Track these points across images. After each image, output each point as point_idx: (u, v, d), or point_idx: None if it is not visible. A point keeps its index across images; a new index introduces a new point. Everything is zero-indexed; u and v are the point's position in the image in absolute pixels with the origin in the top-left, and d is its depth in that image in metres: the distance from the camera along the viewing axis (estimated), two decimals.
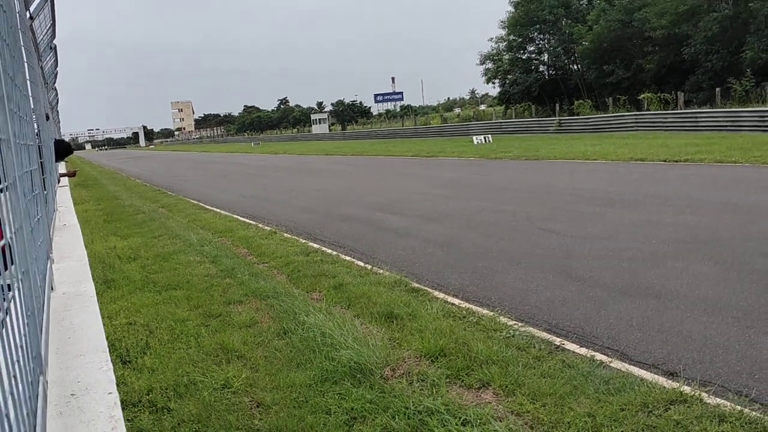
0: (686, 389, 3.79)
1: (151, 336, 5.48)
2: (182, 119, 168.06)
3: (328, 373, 4.41)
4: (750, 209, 9.27)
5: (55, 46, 12.10)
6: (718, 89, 30.43)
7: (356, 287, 6.60)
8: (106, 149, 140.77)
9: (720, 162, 15.70)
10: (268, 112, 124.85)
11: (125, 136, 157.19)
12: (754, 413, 3.48)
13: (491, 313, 5.57)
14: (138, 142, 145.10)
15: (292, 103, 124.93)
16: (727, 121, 25.26)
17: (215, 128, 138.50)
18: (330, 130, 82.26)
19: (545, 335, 4.97)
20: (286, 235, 10.39)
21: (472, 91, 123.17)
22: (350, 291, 6.49)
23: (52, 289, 3.27)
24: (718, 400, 3.68)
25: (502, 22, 52.60)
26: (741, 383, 3.90)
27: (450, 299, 6.17)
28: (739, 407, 3.55)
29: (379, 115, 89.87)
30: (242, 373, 4.55)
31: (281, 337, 5.27)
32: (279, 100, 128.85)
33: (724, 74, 33.13)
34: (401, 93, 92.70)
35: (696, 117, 27.56)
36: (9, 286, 1.52)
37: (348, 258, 8.31)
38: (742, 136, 22.60)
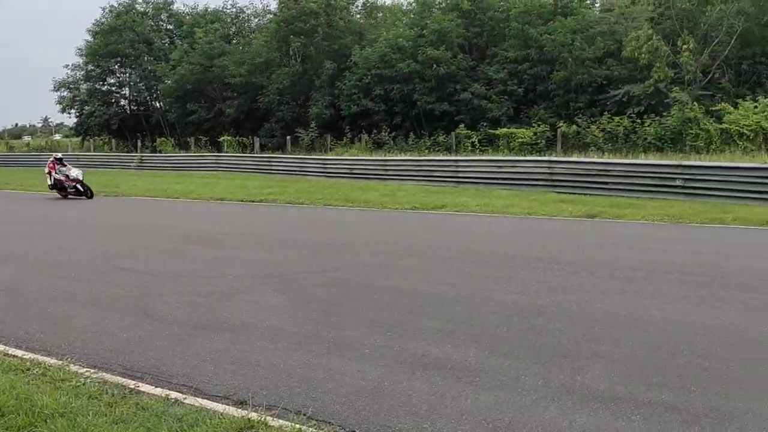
0: (253, 416, 4.05)
1: None
2: None
3: None
4: (313, 246, 10.47)
5: None
6: (288, 137, 33.67)
7: None
8: None
9: (290, 203, 17.36)
10: None
11: None
12: (310, 429, 3.91)
13: (60, 362, 5.13)
14: None
15: None
16: (296, 167, 27.98)
17: None
18: None
19: (120, 379, 4.79)
20: None
21: (45, 119, 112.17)
22: None
23: None
24: (281, 421, 4.02)
25: (79, 49, 49.52)
26: (300, 403, 4.32)
27: (11, 351, 5.50)
28: (298, 426, 3.94)
29: None
30: None
31: None
32: None
33: (294, 124, 36.87)
34: None
35: (270, 161, 29.89)
36: None
37: None
38: (309, 180, 25.32)
